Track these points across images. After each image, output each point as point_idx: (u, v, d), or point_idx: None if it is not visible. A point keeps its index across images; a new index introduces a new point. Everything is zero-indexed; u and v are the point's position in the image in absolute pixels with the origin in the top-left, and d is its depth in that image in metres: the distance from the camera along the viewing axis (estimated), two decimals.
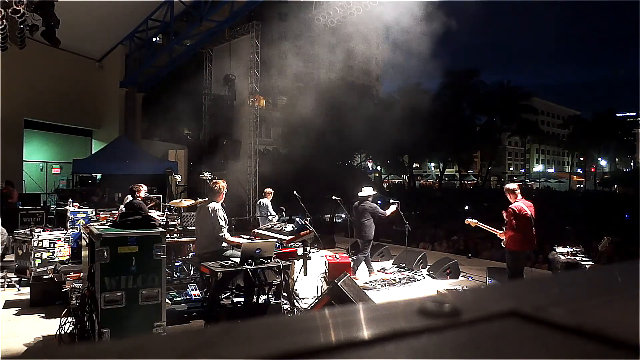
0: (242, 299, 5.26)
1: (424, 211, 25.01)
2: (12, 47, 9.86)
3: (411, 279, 8.34)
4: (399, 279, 8.23)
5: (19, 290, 7.02)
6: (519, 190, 6.58)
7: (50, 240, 7.08)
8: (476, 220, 7.09)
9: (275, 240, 6.00)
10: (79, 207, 8.83)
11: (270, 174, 17.28)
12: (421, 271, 8.96)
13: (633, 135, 63.07)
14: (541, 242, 7.51)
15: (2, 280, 7.12)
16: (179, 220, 7.12)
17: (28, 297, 6.41)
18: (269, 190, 10.43)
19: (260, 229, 7.39)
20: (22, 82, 14.55)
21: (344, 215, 17.62)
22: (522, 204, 6.47)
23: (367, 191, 8.37)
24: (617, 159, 64.57)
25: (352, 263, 8.26)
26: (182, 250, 7.13)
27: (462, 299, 0.43)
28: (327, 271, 6.83)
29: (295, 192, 8.36)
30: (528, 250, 6.66)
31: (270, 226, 7.39)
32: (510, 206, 6.50)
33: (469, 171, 56.90)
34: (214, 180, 6.13)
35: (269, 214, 9.79)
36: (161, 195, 11.99)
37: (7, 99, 12.49)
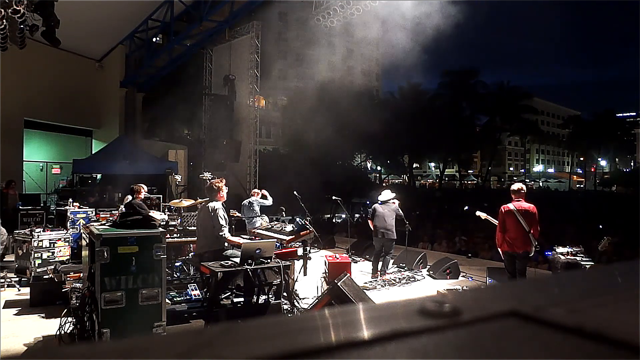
0: (242, 299, 5.26)
1: (424, 211, 25.03)
2: (12, 47, 9.86)
3: (411, 279, 8.34)
4: (399, 279, 8.23)
5: (19, 290, 7.02)
6: (521, 192, 6.45)
7: (50, 240, 7.07)
8: (485, 214, 7.17)
9: (275, 240, 6.00)
10: (79, 207, 8.83)
11: (270, 174, 17.27)
12: (421, 271, 8.96)
13: (633, 135, 63.08)
14: (541, 242, 7.47)
15: (2, 280, 7.12)
16: (179, 220, 7.12)
17: (28, 297, 6.40)
18: (256, 191, 10.25)
19: (261, 229, 7.39)
20: (22, 82, 14.55)
21: (344, 215, 17.63)
22: (512, 205, 6.37)
23: (388, 194, 8.43)
24: (617, 159, 64.60)
25: (378, 265, 8.33)
26: (182, 250, 7.14)
27: (462, 299, 0.43)
28: (327, 271, 6.83)
29: (295, 192, 8.36)
30: (517, 251, 6.31)
31: (270, 226, 7.39)
32: (501, 206, 6.48)
33: (469, 171, 56.90)
34: (212, 180, 6.13)
35: (256, 214, 9.61)
36: (161, 195, 11.99)
37: (7, 99, 12.50)
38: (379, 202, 8.38)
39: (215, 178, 7.20)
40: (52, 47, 11.05)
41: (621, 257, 10.42)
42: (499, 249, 6.55)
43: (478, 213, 7.37)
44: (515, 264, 6.42)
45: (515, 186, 6.65)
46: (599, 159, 61.64)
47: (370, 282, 7.99)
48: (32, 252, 6.84)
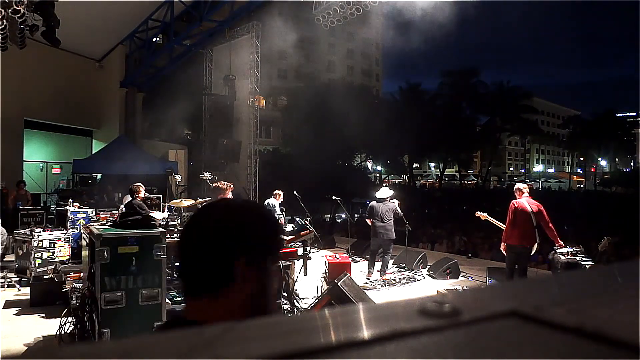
0: None
1: (424, 211, 25.05)
2: (12, 47, 9.86)
3: (411, 279, 8.34)
4: (399, 279, 8.23)
5: (19, 290, 7.02)
6: (527, 190, 6.74)
7: (50, 240, 7.08)
8: (486, 214, 7.25)
9: None
10: (79, 207, 8.83)
11: (270, 174, 17.26)
12: (421, 271, 8.96)
13: (633, 135, 63.02)
14: (541, 241, 7.52)
15: (2, 280, 7.12)
16: (179, 220, 7.12)
17: (28, 297, 6.40)
18: (278, 192, 10.33)
19: None
20: (22, 82, 14.55)
21: (344, 215, 17.64)
22: (523, 201, 6.59)
23: (385, 192, 8.37)
24: (617, 159, 64.55)
25: (377, 264, 8.31)
26: None
27: (462, 299, 0.43)
28: (327, 271, 6.83)
29: (295, 192, 8.36)
30: (525, 245, 6.56)
31: None
32: (511, 201, 6.69)
33: (469, 171, 56.88)
34: (218, 181, 6.11)
35: (275, 214, 9.85)
36: (161, 195, 12.00)
37: (7, 99, 12.50)
38: (377, 199, 8.35)
39: (215, 178, 7.21)
40: (52, 47, 11.05)
41: (621, 257, 10.42)
42: (504, 243, 6.73)
43: (478, 213, 7.44)
44: (517, 260, 6.63)
45: (521, 185, 6.91)
46: (599, 159, 61.58)
47: (370, 282, 8.00)
48: (32, 252, 6.85)
